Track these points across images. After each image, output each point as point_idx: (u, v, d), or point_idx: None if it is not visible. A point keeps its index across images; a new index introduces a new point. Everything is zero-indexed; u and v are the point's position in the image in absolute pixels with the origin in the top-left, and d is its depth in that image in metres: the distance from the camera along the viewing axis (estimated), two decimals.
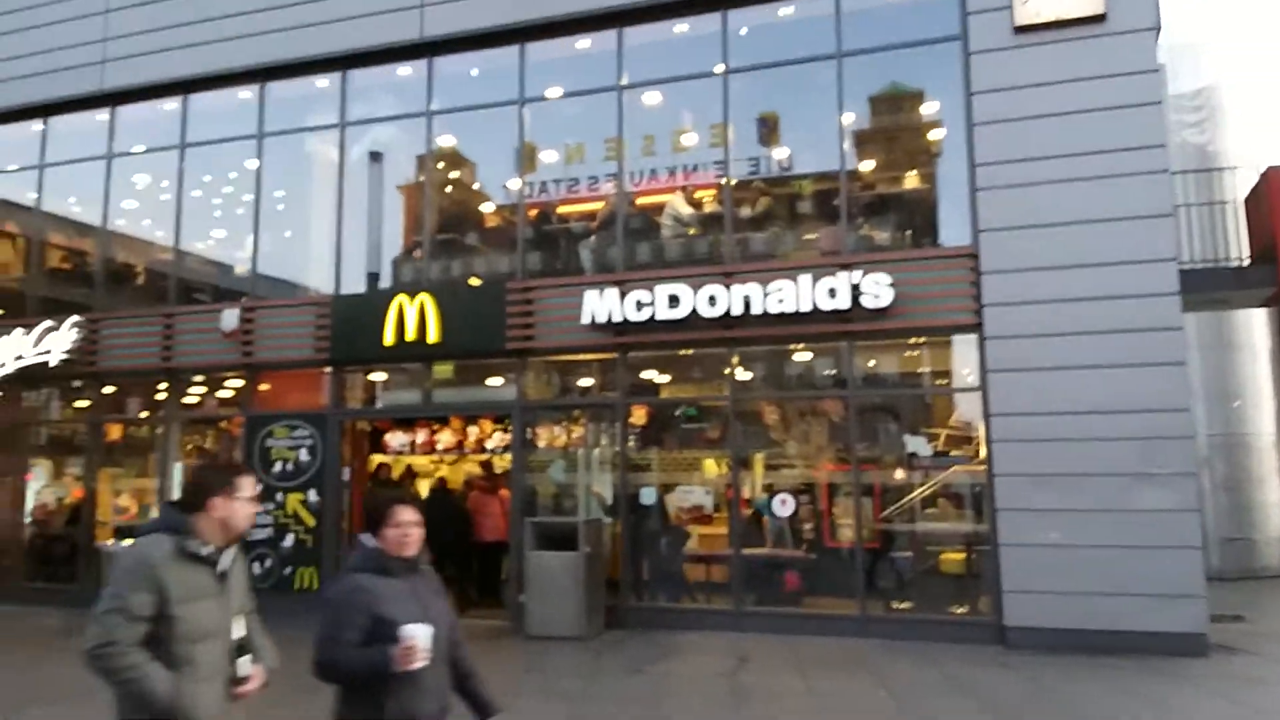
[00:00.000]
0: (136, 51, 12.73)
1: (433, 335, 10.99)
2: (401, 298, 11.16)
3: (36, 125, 13.61)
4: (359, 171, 12.25)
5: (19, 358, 12.46)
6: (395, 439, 12.68)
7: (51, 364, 12.32)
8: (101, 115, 13.21)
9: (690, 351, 10.69)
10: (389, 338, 11.15)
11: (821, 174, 11.03)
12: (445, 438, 12.45)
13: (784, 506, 10.09)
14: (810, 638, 9.33)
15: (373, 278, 12.10)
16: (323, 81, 12.35)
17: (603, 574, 9.93)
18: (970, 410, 9.86)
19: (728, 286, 10.00)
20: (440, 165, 12.18)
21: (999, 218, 9.35)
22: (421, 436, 12.55)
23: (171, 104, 12.87)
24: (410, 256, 12.24)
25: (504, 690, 7.36)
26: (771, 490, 10.25)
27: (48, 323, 12.50)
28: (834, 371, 10.40)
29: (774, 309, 9.79)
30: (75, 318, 12.42)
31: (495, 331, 10.82)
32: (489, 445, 12.09)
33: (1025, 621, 8.81)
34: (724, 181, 10.87)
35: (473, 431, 12.24)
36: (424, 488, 12.58)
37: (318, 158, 12.48)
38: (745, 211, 10.98)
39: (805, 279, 9.76)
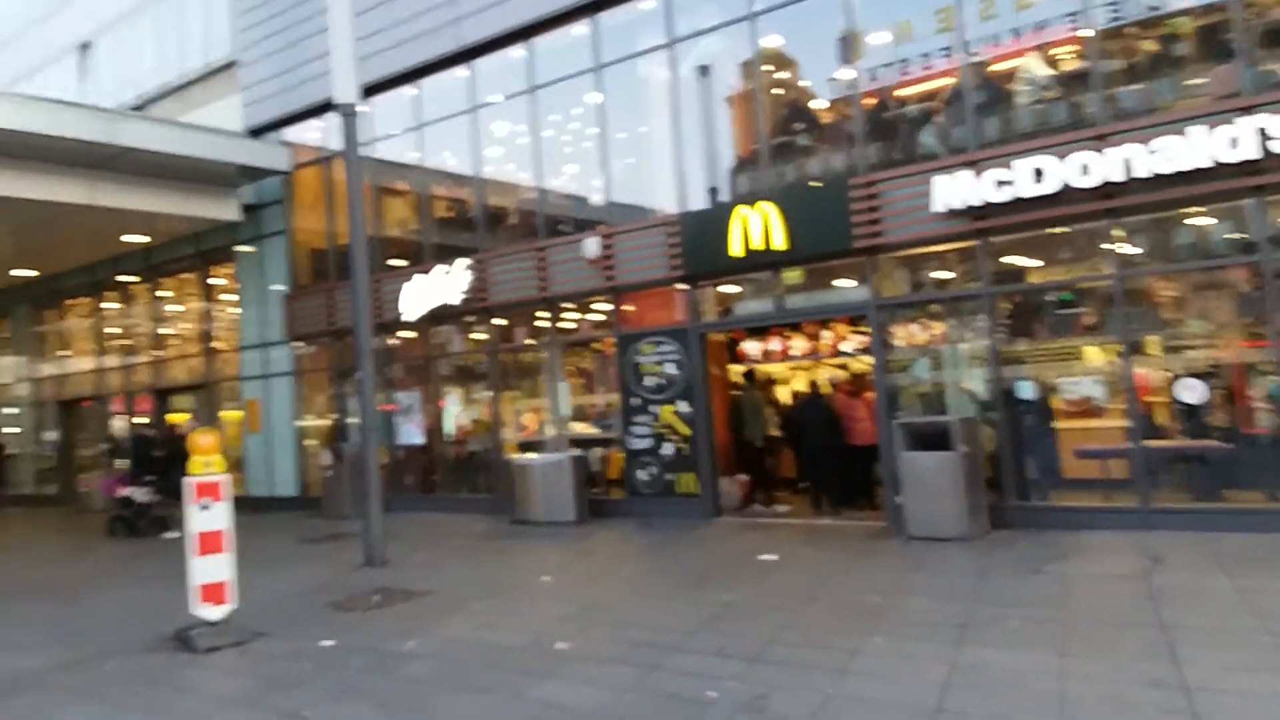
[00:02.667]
0: (485, 5, 13.72)
1: (778, 241, 11.08)
2: (743, 208, 11.33)
3: (410, 90, 15.19)
4: (690, 88, 12.43)
5: (425, 300, 14.28)
6: (751, 348, 13.03)
7: (451, 303, 14.00)
8: (462, 72, 14.47)
9: (1061, 229, 9.82)
10: (736, 249, 11.39)
11: (1206, 5, 9.47)
12: (799, 344, 12.56)
13: (1191, 393, 9.10)
14: (1229, 534, 8.46)
15: (714, 192, 12.31)
16: (648, 3, 12.58)
17: (981, 473, 9.62)
18: None
19: (1101, 151, 9.04)
20: (767, 68, 12.00)
21: None
22: (775, 344, 12.77)
23: (519, 51, 13.78)
24: (747, 166, 12.29)
25: (894, 590, 7.55)
26: (1174, 375, 9.26)
27: (443, 267, 14.17)
28: (1239, 235, 9.08)
29: (1161, 169, 8.71)
30: (465, 260, 13.97)
31: (841, 231, 10.66)
32: (844, 348, 12.04)
33: None
34: (1084, 33, 9.71)
35: (827, 335, 12.24)
36: (783, 394, 12.88)
37: (652, 81, 12.82)
38: (1113, 63, 9.75)
39: (1197, 130, 8.56)
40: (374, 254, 14.82)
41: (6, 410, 24.94)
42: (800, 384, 13.63)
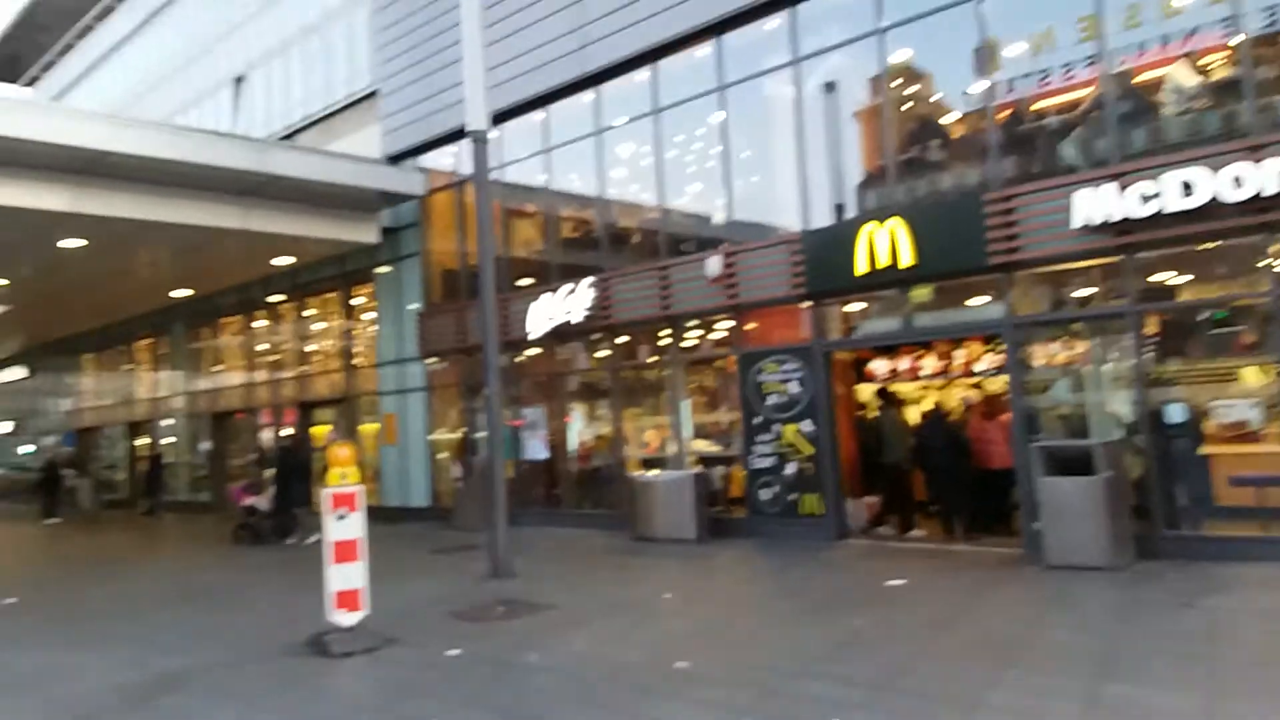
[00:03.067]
0: (610, 31, 13.97)
1: (906, 259, 10.82)
2: (870, 225, 11.12)
3: (538, 115, 15.59)
4: (815, 105, 12.32)
5: (550, 318, 14.57)
6: (879, 367, 12.75)
7: (575, 321, 14.24)
8: (587, 96, 14.76)
9: (1213, 244, 9.25)
10: (861, 266, 11.19)
11: None
12: (930, 363, 12.22)
13: None
14: None
15: (839, 209, 12.14)
16: (773, 22, 12.56)
17: (1127, 499, 9.12)
18: None
19: (1257, 162, 8.49)
20: (896, 83, 11.78)
21: None
22: (904, 363, 12.46)
23: (642, 75, 13.97)
24: (874, 181, 12.07)
25: (1030, 620, 7.23)
26: None
27: (568, 286, 14.44)
28: None
29: None
30: (589, 279, 14.20)
31: (974, 247, 10.34)
32: (978, 368, 11.64)
33: None
34: (1235, 40, 9.16)
35: (958, 355, 11.87)
36: (913, 414, 12.54)
37: (775, 99, 12.77)
38: (1268, 71, 9.15)
39: None
40: (502, 274, 15.24)
41: (164, 422, 26.71)
42: (930, 404, 13.25)
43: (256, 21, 23.48)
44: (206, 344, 24.83)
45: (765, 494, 12.29)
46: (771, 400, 12.26)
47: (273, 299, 21.71)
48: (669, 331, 13.74)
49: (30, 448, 35.73)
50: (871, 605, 8.03)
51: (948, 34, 11.09)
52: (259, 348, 22.71)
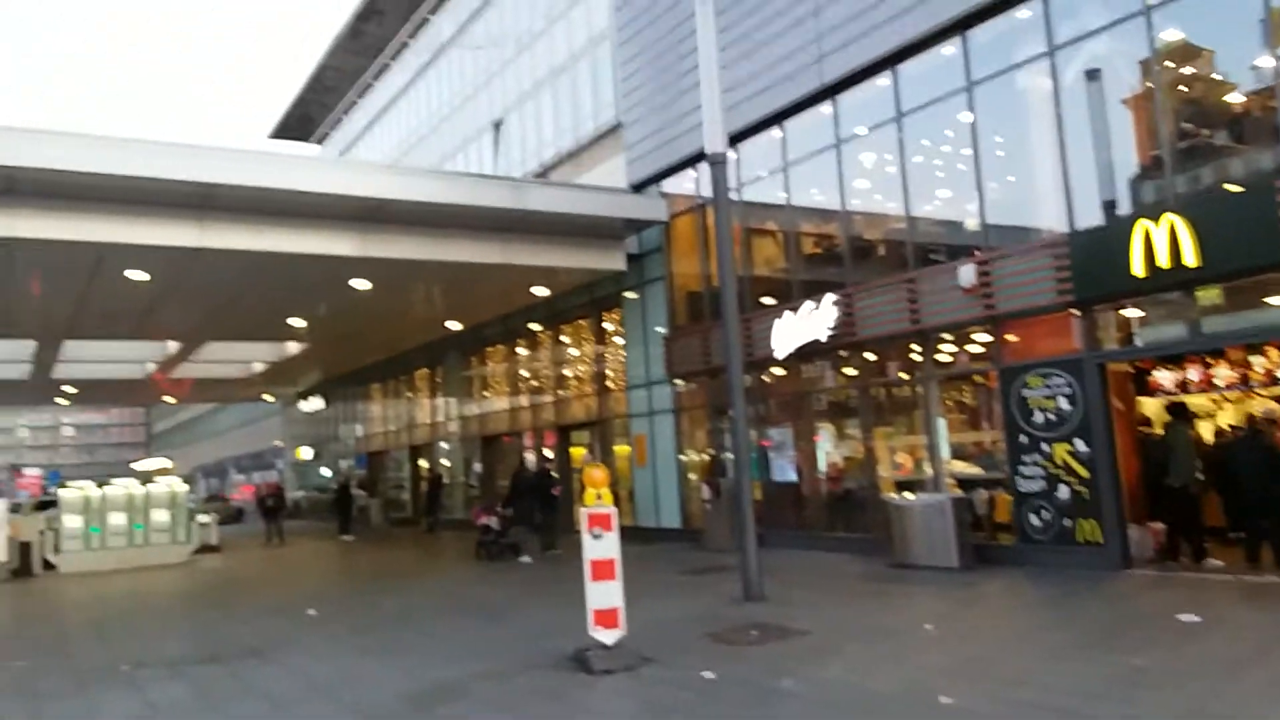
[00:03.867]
0: (847, 40, 13.71)
1: (1189, 258, 9.75)
2: (1144, 222, 10.13)
3: (775, 132, 15.54)
4: (1076, 96, 11.42)
5: (794, 336, 14.42)
6: (1164, 378, 11.56)
7: (820, 339, 14.00)
8: (825, 109, 14.55)
9: None
10: (1138, 268, 10.20)
11: None
12: (1222, 372, 10.93)
13: None
14: None
15: (1109, 206, 11.15)
16: (1024, 12, 11.82)
17: None
18: None
19: None
20: (1169, 64, 10.69)
21: None
22: (1194, 373, 11.21)
23: (883, 80, 13.57)
24: (1148, 174, 11.00)
25: None
26: None
27: (810, 303, 14.23)
28: None
29: None
30: (832, 295, 13.93)
31: (1272, 242, 9.15)
32: None
33: None
34: None
35: (1258, 362, 10.53)
36: (1205, 430, 11.26)
37: (1030, 93, 12.00)
38: None
39: None
40: (744, 294, 15.29)
41: (441, 445, 28.94)
42: (1229, 419, 11.84)
43: (512, 68, 25.13)
44: (475, 372, 26.69)
45: (1034, 519, 11.46)
46: (1038, 417, 11.42)
47: (531, 327, 23.00)
48: (920, 346, 13.19)
49: (328, 471, 39.89)
50: (1158, 642, 7.24)
51: (1226, 6, 9.97)
52: (521, 374, 24.12)
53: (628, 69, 18.88)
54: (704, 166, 16.25)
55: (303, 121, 41.32)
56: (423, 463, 30.52)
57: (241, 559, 21.73)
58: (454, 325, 24.47)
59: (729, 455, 16.14)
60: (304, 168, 16.33)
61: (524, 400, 23.84)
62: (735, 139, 15.14)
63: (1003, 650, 7.61)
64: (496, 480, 25.30)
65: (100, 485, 21.85)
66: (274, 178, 13.89)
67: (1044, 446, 11.34)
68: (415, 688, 7.53)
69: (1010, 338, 12.04)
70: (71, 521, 20.89)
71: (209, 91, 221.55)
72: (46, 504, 23.92)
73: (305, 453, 42.75)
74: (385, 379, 32.82)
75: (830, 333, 13.89)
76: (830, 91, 14.33)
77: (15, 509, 21.73)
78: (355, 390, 35.77)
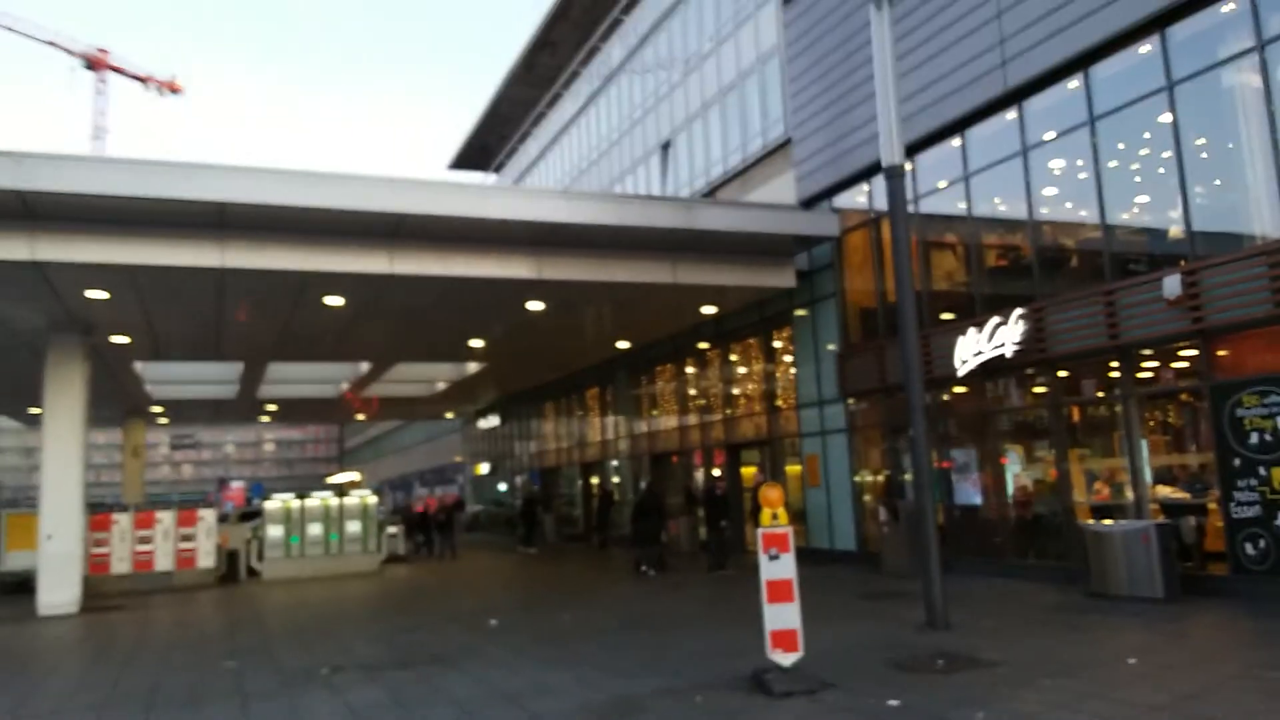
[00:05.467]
0: (1033, 42, 13.09)
1: None
2: None
3: (954, 142, 15.00)
4: None
5: (978, 354, 13.81)
6: None
7: (1006, 355, 13.34)
8: (1009, 114, 13.92)
9: None
10: None
11: None
12: None
13: None
14: None
15: None
16: (1229, 5, 10.95)
17: None
18: None
19: None
20: None
21: None
22: None
23: (1073, 83, 12.87)
24: None
25: None
26: None
27: (995, 318, 13.59)
28: None
29: None
30: (1020, 309, 13.25)
31: None
32: None
33: None
34: None
35: None
36: None
37: (1237, 91, 11.08)
38: None
39: None
40: (923, 309, 14.79)
41: (611, 462, 29.41)
42: None
43: (680, 90, 25.43)
44: (644, 390, 27.00)
45: (1250, 548, 10.48)
46: (1254, 439, 10.45)
47: (700, 346, 23.06)
48: (1118, 363, 12.35)
49: (503, 486, 41.30)
50: None
51: None
52: (689, 393, 24.21)
53: (797, 84, 18.72)
54: (878, 180, 15.89)
55: (480, 152, 43.26)
56: (593, 480, 31.09)
57: (427, 569, 22.75)
58: (623, 345, 24.85)
59: (907, 476, 15.61)
60: (485, 195, 17.07)
61: (692, 419, 23.90)
62: (911, 150, 14.69)
63: (1219, 689, 6.96)
64: (665, 498, 25.40)
65: (300, 497, 23.43)
66: (458, 205, 14.55)
67: (1260, 470, 10.35)
68: (595, 700, 7.62)
69: (1221, 353, 11.10)
70: (274, 531, 22.48)
71: (387, 128, 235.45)
72: (250, 515, 25.82)
73: (483, 468, 44.42)
74: (557, 397, 33.70)
75: (1017, 349, 13.21)
76: (1015, 97, 13.70)
77: (223, 519, 23.54)
78: (529, 408, 36.91)
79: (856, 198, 17.30)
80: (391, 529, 25.50)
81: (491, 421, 42.04)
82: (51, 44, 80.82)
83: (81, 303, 15.78)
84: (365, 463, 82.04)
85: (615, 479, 29.18)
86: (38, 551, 16.76)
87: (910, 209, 15.27)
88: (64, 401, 17.18)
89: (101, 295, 15.38)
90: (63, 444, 17.12)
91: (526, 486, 36.34)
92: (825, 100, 17.67)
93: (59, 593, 16.33)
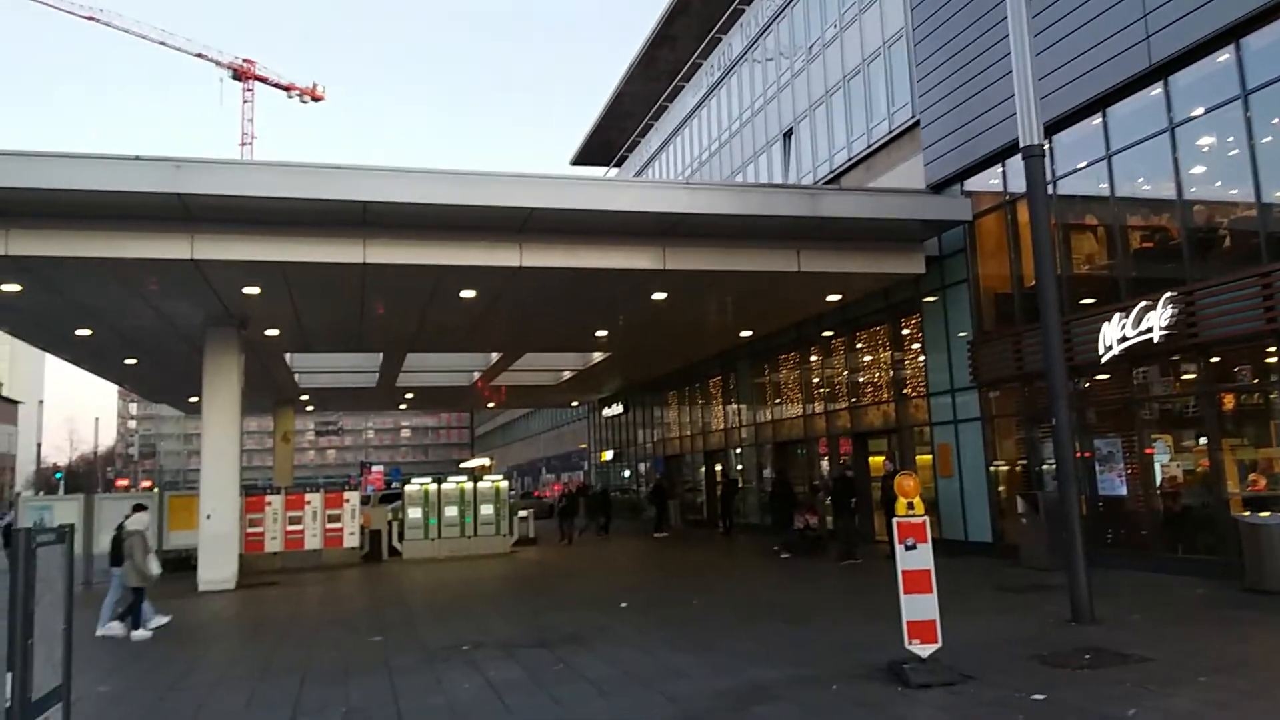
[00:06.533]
0: (1181, 13, 12.44)
1: None
2: None
3: (1094, 121, 14.39)
4: None
5: (1122, 339, 13.25)
6: None
7: (1154, 340, 12.75)
8: (1154, 91, 13.27)
9: None
10: None
11: None
12: None
13: None
14: None
15: None
16: None
17: None
18: None
19: None
20: None
21: None
22: None
23: (1223, 56, 12.17)
24: None
25: None
26: None
27: (1142, 302, 13.01)
28: None
29: None
30: (1168, 293, 12.64)
31: None
32: None
33: None
34: None
35: None
36: None
37: None
38: None
39: None
40: (1062, 294, 14.26)
41: (734, 450, 29.44)
42: None
43: (802, 78, 25.17)
44: (767, 379, 26.91)
45: None
46: None
47: (824, 334, 22.83)
48: (1275, 348, 11.65)
49: (627, 473, 41.86)
50: None
51: None
52: (813, 381, 24.00)
53: (926, 67, 18.27)
54: (1013, 161, 15.41)
55: (602, 147, 43.81)
56: (717, 467, 31.20)
57: (555, 552, 23.35)
58: (746, 333, 24.81)
59: (1046, 466, 15.12)
60: (609, 188, 17.36)
61: (817, 407, 23.69)
62: (1048, 130, 14.14)
63: None
64: (794, 487, 25.28)
65: (436, 481, 24.39)
66: (584, 199, 14.89)
67: None
68: (728, 685, 7.74)
69: None
70: (413, 513, 23.50)
71: (510, 127, 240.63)
72: (390, 497, 27.01)
73: (608, 455, 45.13)
74: (680, 386, 33.91)
75: (1165, 333, 12.61)
76: (1160, 72, 13.04)
77: (365, 501, 24.72)
78: (652, 397, 37.27)
79: (990, 180, 16.79)
80: (522, 512, 26.24)
81: (615, 410, 42.64)
82: (201, 56, 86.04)
83: (236, 298, 16.83)
84: (495, 448, 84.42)
85: (739, 467, 29.21)
86: (197, 531, 18.01)
87: (1048, 190, 14.73)
88: (221, 391, 18.37)
89: (254, 291, 16.36)
90: (220, 430, 18.32)
91: (651, 474, 36.77)
92: (955, 82, 17.19)
93: (217, 569, 17.50)
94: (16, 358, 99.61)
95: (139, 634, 12.00)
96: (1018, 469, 16.38)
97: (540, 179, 14.76)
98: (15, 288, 15.22)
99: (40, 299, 16.19)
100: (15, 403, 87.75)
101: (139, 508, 13.05)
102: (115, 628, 12.16)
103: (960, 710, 6.70)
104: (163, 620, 12.65)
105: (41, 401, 72.03)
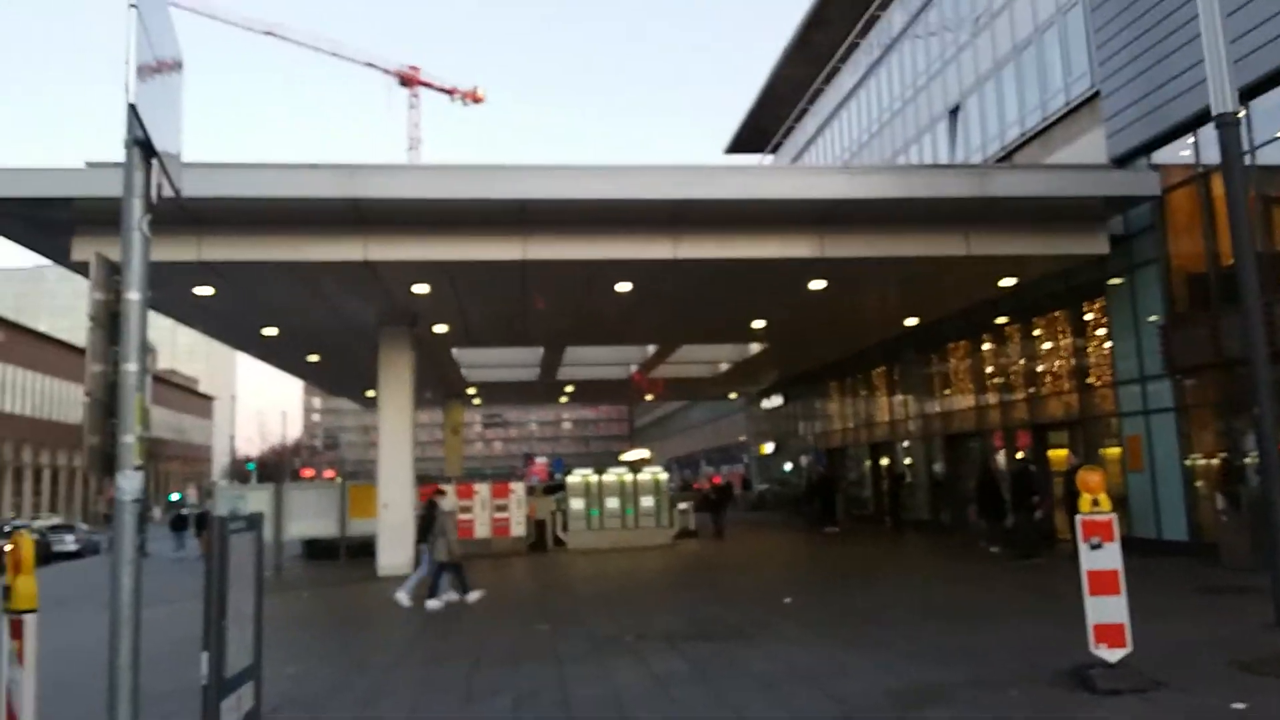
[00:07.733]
0: None
1: None
2: None
3: None
4: None
5: None
6: None
7: None
8: None
9: None
10: None
11: None
12: None
13: None
14: None
15: None
16: None
17: None
18: None
19: None
20: None
21: None
22: None
23: None
24: None
25: None
26: None
27: None
28: None
29: None
30: None
31: None
32: None
33: None
34: None
35: None
36: None
37: None
38: None
39: None
40: (1264, 272, 13.01)
41: (901, 443, 28.54)
42: None
43: (968, 51, 24.07)
44: (934, 369, 25.91)
45: None
46: None
47: (997, 321, 21.75)
48: None
49: (788, 466, 41.31)
50: None
51: None
52: (985, 370, 22.92)
53: (1105, 33, 17.06)
54: (1206, 130, 14.16)
55: (756, 134, 43.33)
56: (882, 460, 30.35)
57: (716, 545, 23.32)
58: (911, 321, 23.96)
59: (1248, 459, 13.87)
60: (762, 176, 17.11)
61: (990, 398, 22.60)
62: (1243, 96, 12.93)
63: None
64: (960, 481, 24.28)
65: (598, 473, 24.80)
66: (737, 188, 14.71)
67: None
68: (898, 685, 7.46)
69: None
70: (576, 504, 23.99)
71: (664, 119, 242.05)
72: (553, 488, 27.67)
73: (767, 448, 44.73)
74: (841, 377, 33.14)
75: None
76: None
77: (529, 491, 25.42)
78: (812, 388, 36.61)
79: (1180, 152, 15.50)
80: (682, 505, 26.34)
81: (774, 401, 42.19)
82: (369, 65, 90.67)
83: (407, 297, 17.61)
84: (653, 441, 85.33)
85: (906, 460, 28.29)
86: (376, 519, 18.98)
87: (1246, 160, 13.47)
88: (395, 385, 19.30)
89: (424, 289, 17.07)
90: (395, 423, 19.25)
91: (813, 467, 36.18)
92: (1138, 48, 15.96)
93: (395, 555, 18.38)
94: (211, 356, 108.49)
95: (432, 604, 13.20)
96: (1216, 462, 15.10)
97: (691, 170, 14.71)
98: (209, 291, 16.45)
99: (230, 301, 17.45)
100: (210, 399, 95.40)
101: (440, 492, 14.34)
102: (403, 598, 13.71)
103: (1154, 718, 6.20)
104: (474, 596, 13.77)
105: (234, 397, 77.96)
